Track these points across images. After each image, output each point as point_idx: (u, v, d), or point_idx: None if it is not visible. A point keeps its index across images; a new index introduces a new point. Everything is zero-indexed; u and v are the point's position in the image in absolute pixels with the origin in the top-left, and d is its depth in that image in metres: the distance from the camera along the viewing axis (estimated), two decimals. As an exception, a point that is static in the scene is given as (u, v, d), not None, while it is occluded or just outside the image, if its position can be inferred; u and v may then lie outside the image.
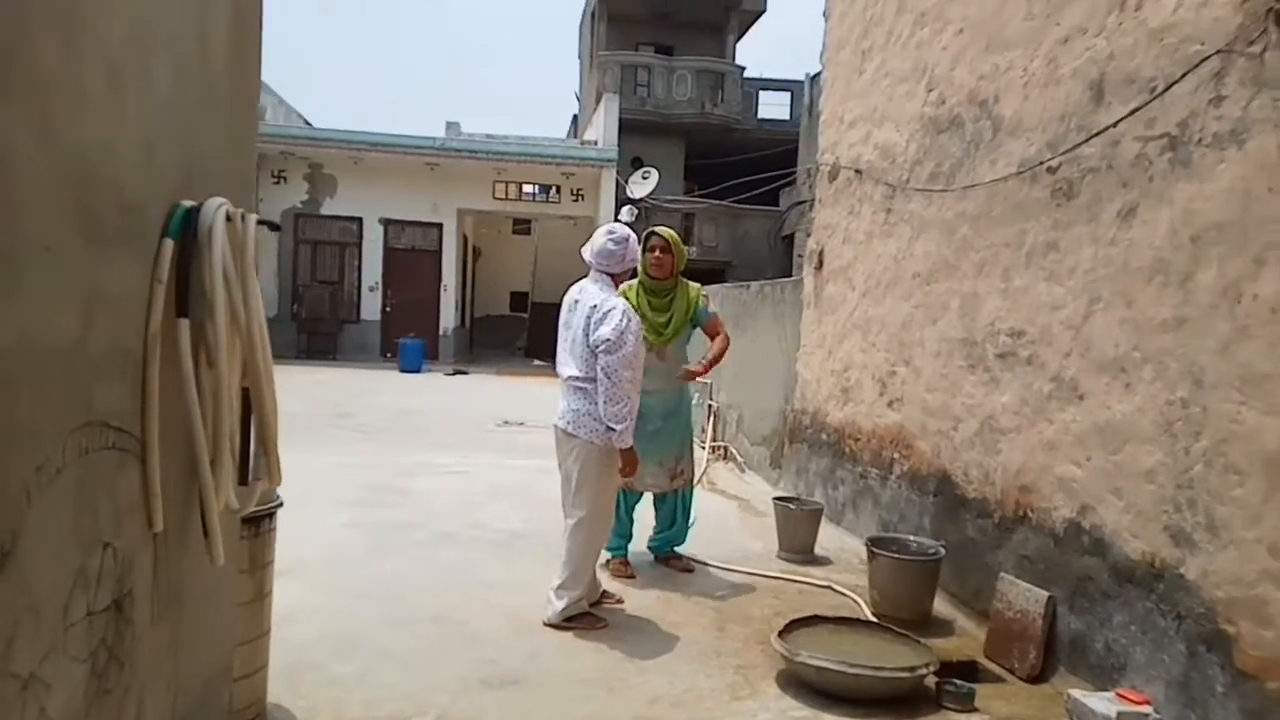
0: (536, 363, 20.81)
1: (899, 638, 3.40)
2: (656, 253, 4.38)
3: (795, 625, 3.43)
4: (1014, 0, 3.87)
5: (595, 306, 3.59)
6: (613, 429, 3.52)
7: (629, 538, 4.56)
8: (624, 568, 4.43)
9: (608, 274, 3.74)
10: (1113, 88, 3.22)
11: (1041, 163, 3.60)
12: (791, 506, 4.93)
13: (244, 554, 2.54)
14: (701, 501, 6.20)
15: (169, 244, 1.74)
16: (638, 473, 3.80)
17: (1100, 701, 2.89)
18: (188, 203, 1.82)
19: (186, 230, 1.79)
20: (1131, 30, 3.13)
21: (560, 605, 3.61)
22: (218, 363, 1.80)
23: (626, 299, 4.26)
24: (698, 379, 4.72)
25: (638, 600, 4.08)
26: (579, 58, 29.24)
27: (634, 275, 4.51)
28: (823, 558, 4.91)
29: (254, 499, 1.96)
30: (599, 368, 3.52)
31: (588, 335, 3.58)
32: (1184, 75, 2.84)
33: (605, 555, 4.35)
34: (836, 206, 5.82)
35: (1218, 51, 2.71)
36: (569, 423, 3.65)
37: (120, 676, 1.67)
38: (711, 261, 20.26)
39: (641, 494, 4.60)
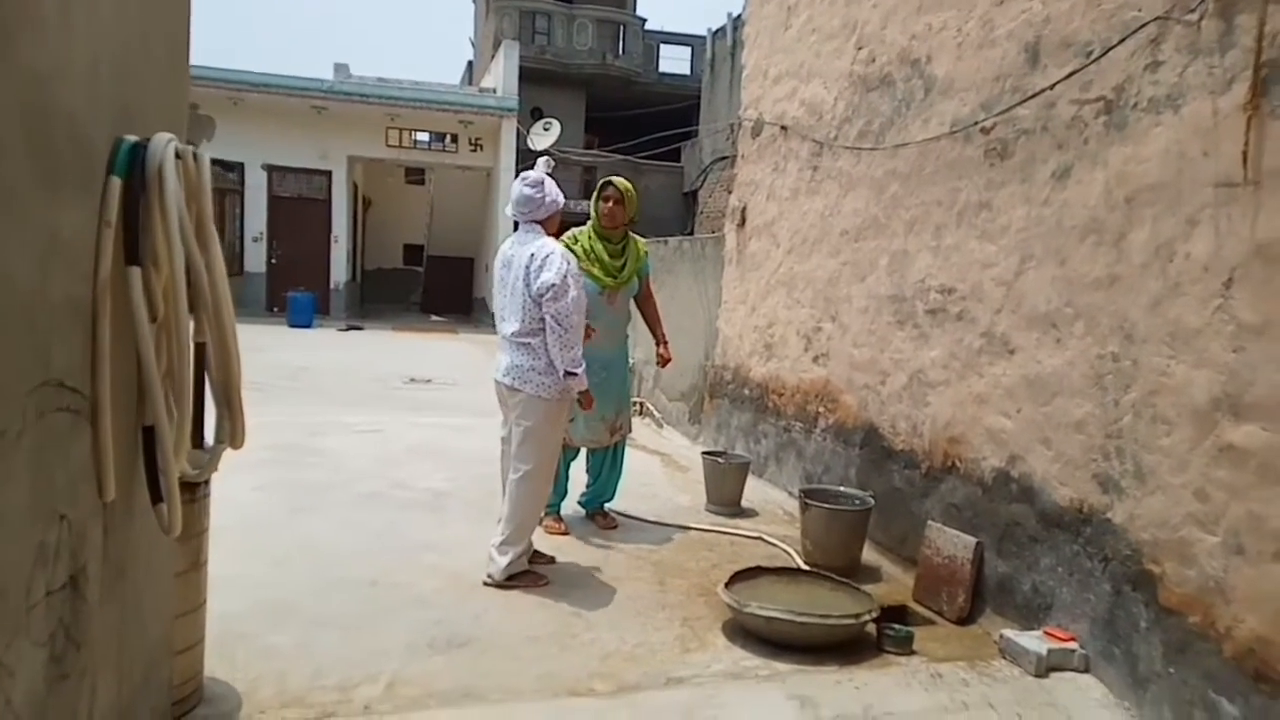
0: (434, 318, 20.31)
1: (838, 585, 3.50)
2: (610, 203, 4.33)
3: (738, 577, 3.47)
4: (949, -40, 3.91)
5: (533, 255, 3.51)
6: (573, 373, 3.51)
7: (564, 494, 4.52)
8: (557, 524, 4.39)
9: (535, 222, 3.64)
10: (1049, 51, 3.30)
11: (976, 123, 3.68)
12: (720, 460, 4.98)
13: (180, 555, 2.36)
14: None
15: (116, 182, 1.56)
16: (591, 408, 3.80)
17: (1031, 640, 3.06)
18: (131, 138, 1.63)
19: (133, 168, 1.60)
20: (1070, -6, 3.21)
21: (503, 562, 3.54)
22: (173, 315, 1.63)
23: (578, 242, 4.41)
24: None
25: (575, 556, 4.05)
26: (473, 1, 28.21)
27: (563, 228, 4.40)
28: (750, 510, 4.99)
29: (215, 463, 1.80)
30: (548, 316, 3.46)
31: (529, 286, 3.49)
32: (1121, 41, 2.94)
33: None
34: (760, 163, 5.83)
35: (1156, 18, 2.81)
36: (513, 378, 3.56)
37: (77, 659, 1.53)
38: (613, 216, 20.10)
39: (577, 451, 4.54)
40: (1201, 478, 2.60)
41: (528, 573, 3.63)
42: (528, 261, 3.51)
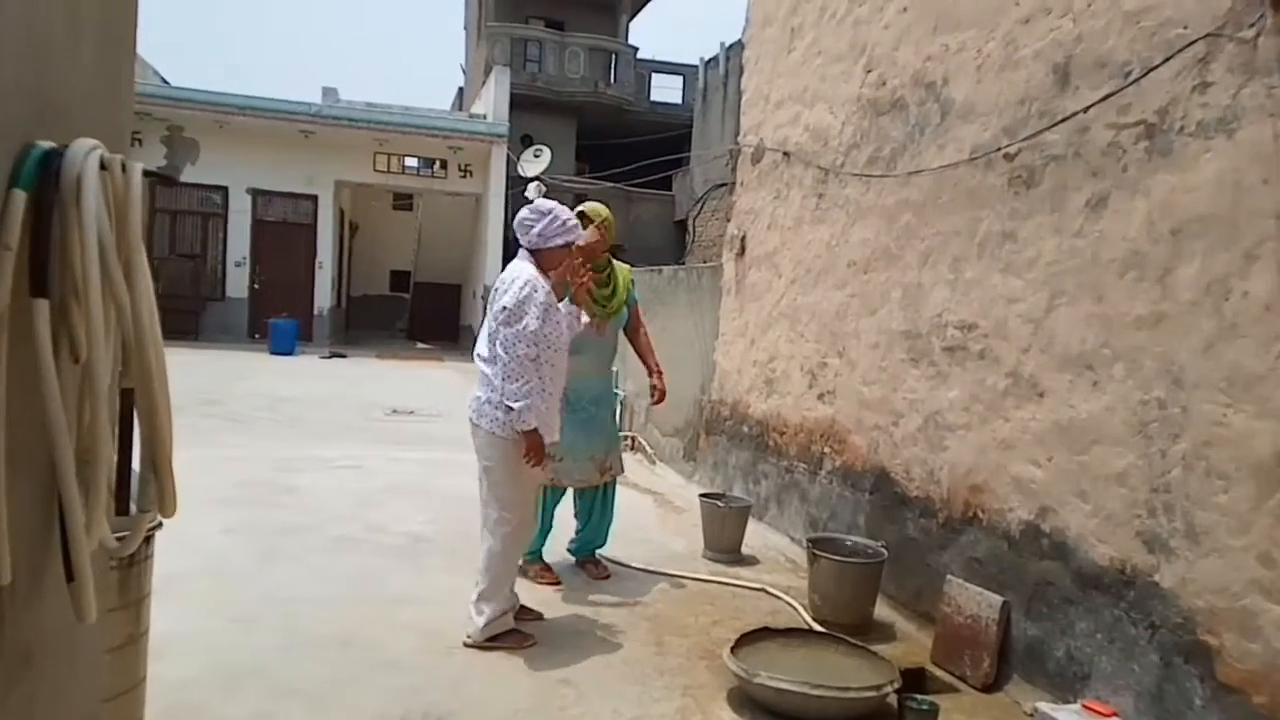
0: (420, 345, 19.98)
1: (853, 650, 3.20)
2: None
3: (745, 639, 3.17)
4: (967, -22, 3.70)
5: (503, 279, 3.36)
6: (510, 407, 3.17)
7: (546, 536, 4.16)
8: (546, 573, 4.08)
9: (527, 250, 3.40)
10: (1081, 71, 3.08)
11: (999, 149, 3.45)
12: (720, 504, 4.69)
13: (114, 587, 2.05)
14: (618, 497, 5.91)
15: (19, 196, 1.27)
16: (547, 465, 3.41)
17: (1069, 714, 2.77)
18: (45, 144, 1.35)
19: (44, 180, 1.32)
20: (1103, 11, 2.99)
21: (481, 621, 3.23)
22: (89, 356, 1.34)
23: None
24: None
25: (564, 611, 3.74)
26: (465, 28, 28.19)
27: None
28: (750, 557, 4.70)
29: (139, 536, 1.50)
30: (496, 341, 3.24)
31: (493, 311, 3.35)
32: (1165, 60, 2.71)
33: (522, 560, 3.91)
34: (760, 190, 5.60)
35: (1205, 36, 2.59)
36: (472, 411, 3.35)
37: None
38: (603, 244, 19.91)
39: (565, 490, 4.22)
40: (1267, 540, 2.34)
41: (512, 632, 3.32)
42: (497, 285, 3.38)
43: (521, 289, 3.23)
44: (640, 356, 4.51)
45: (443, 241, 21.02)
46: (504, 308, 3.21)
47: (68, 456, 1.33)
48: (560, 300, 3.37)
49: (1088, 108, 3.02)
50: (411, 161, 18.30)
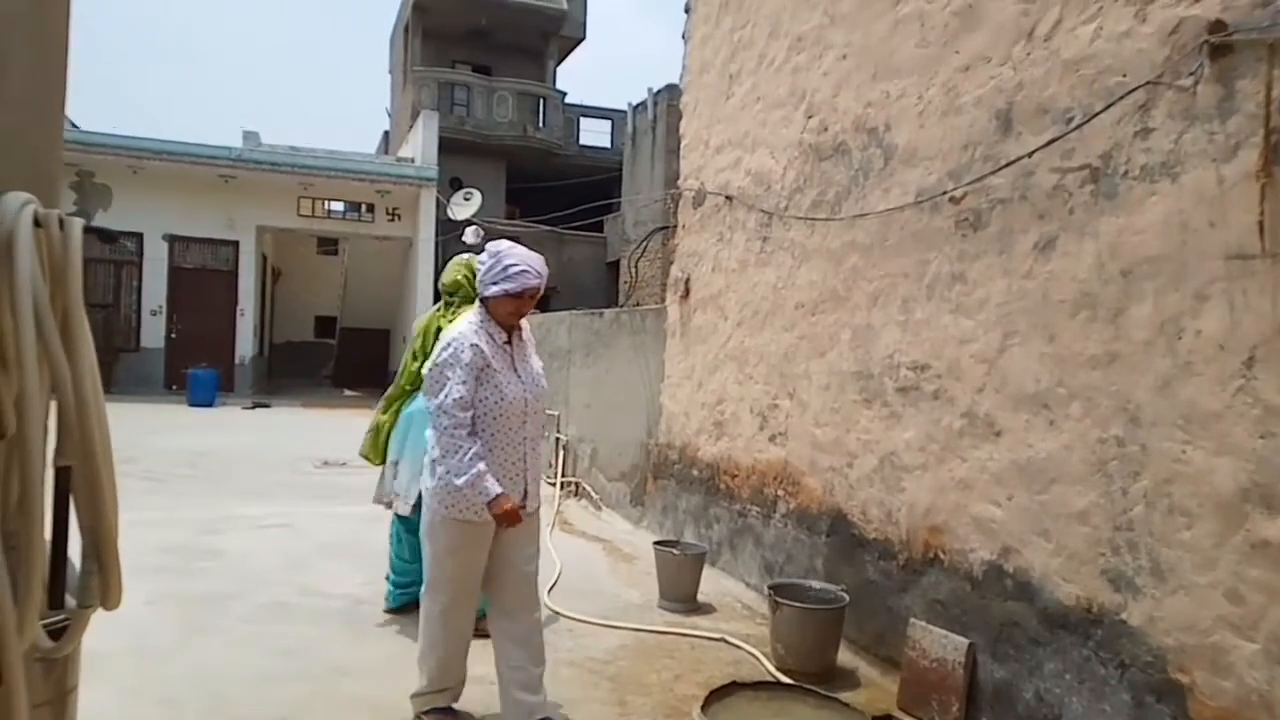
0: (348, 392, 19.42)
1: (823, 701, 3.11)
2: None
3: (713, 696, 3.06)
4: (905, 27, 3.79)
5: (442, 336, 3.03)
6: (454, 485, 2.79)
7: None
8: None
9: (481, 299, 2.97)
10: (1023, 118, 3.15)
11: (944, 192, 3.51)
12: (675, 552, 4.59)
13: (39, 680, 1.84)
14: (562, 544, 5.76)
15: (-60, 256, 1.13)
16: (513, 521, 2.86)
17: (1044, 759, 2.74)
18: (-32, 197, 1.21)
19: (-32, 236, 1.18)
20: (1042, 60, 3.08)
21: (419, 684, 3.05)
22: (22, 432, 1.20)
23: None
24: None
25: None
26: (390, 72, 28.01)
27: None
28: (706, 605, 4.60)
29: (78, 634, 1.33)
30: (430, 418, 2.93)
31: None
32: (1106, 108, 2.79)
33: None
34: (703, 233, 5.60)
35: (1144, 84, 2.68)
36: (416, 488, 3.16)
37: None
38: (535, 287, 19.80)
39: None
40: (1233, 577, 2.36)
41: (446, 711, 3.07)
42: None
43: (440, 352, 2.88)
44: None
45: (370, 286, 20.58)
46: (425, 375, 2.94)
47: (-7, 548, 1.17)
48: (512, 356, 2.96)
49: (1032, 153, 3.08)
50: (337, 206, 17.94)
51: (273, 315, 21.30)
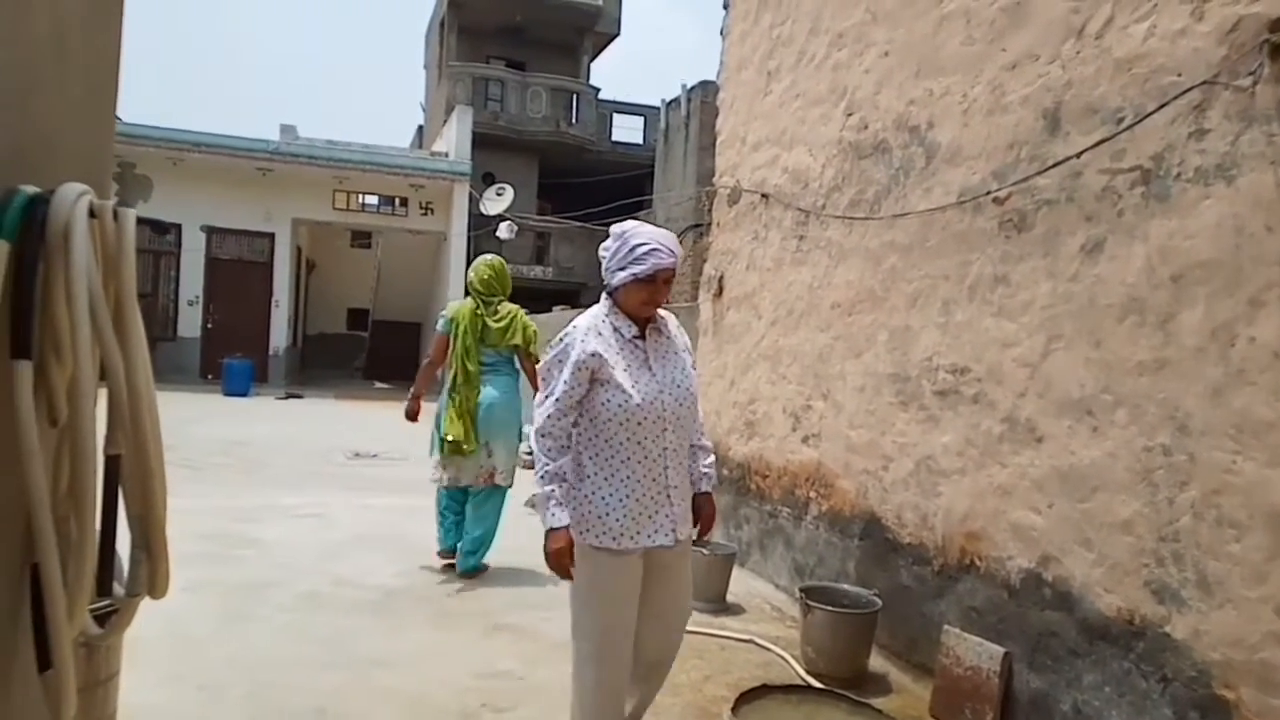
0: (379, 385, 19.62)
1: (856, 707, 3.08)
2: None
3: (744, 699, 3.04)
4: (950, 23, 3.73)
5: None
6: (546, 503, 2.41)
7: (455, 540, 4.89)
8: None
9: (607, 291, 2.55)
10: (1071, 117, 3.09)
11: (988, 193, 3.45)
12: (704, 552, 4.57)
13: (85, 667, 1.86)
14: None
15: (1, 247, 1.14)
16: (561, 564, 2.41)
17: (1083, 771, 2.69)
18: (29, 189, 1.22)
19: (27, 229, 1.19)
20: (1092, 59, 3.01)
21: None
22: (74, 420, 1.21)
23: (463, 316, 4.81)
24: None
25: (548, 675, 3.55)
26: (425, 68, 28.20)
27: (513, 298, 5.08)
28: (735, 605, 4.57)
29: (126, 622, 1.35)
30: None
31: None
32: (1160, 108, 2.73)
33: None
34: (738, 231, 5.57)
35: (1200, 84, 2.61)
36: None
37: None
38: (567, 282, 19.88)
39: (464, 492, 4.88)
40: (1284, 591, 2.30)
41: None
42: None
43: (555, 345, 2.50)
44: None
45: (402, 279, 20.77)
46: (540, 370, 2.57)
47: (48, 532, 1.19)
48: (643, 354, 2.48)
49: (1080, 153, 3.02)
50: (371, 199, 18.13)
51: (306, 307, 21.59)
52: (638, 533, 2.43)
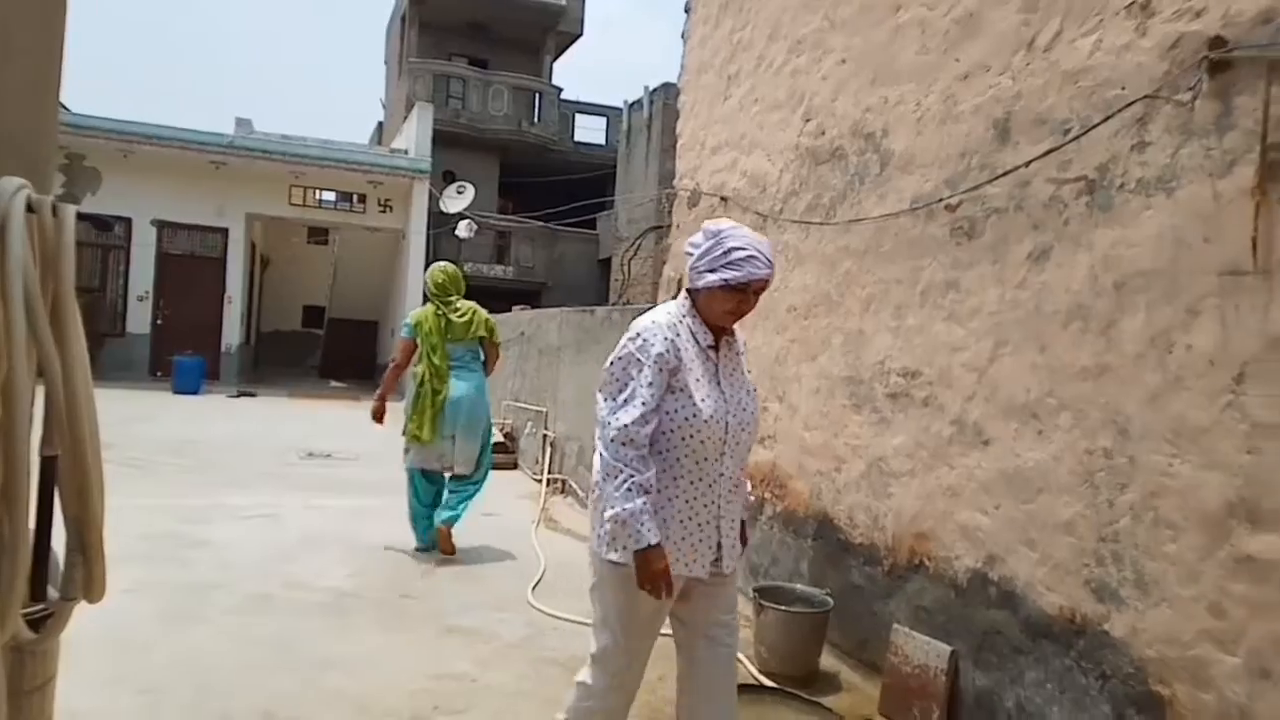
0: (334, 384, 19.34)
1: (806, 706, 3.13)
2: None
3: (697, 698, 3.06)
4: (905, 33, 3.80)
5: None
6: (619, 525, 2.14)
7: (427, 528, 5.22)
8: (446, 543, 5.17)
9: (688, 291, 2.36)
10: (1020, 128, 3.16)
11: (940, 200, 3.52)
12: (660, 552, 4.58)
13: (18, 672, 1.82)
14: (547, 542, 5.76)
15: (-70, 240, 1.11)
16: (661, 596, 2.18)
17: (1025, 767, 2.75)
18: (-40, 180, 1.19)
19: (-42, 221, 1.16)
20: (1041, 71, 3.09)
21: None
22: (8, 419, 1.18)
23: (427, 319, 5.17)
24: None
25: (502, 676, 3.55)
26: (385, 63, 27.89)
27: (470, 295, 5.47)
28: (690, 606, 4.59)
29: (61, 626, 1.32)
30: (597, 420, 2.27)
31: None
32: (1105, 120, 2.80)
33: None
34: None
35: (1142, 98, 2.69)
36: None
37: None
38: (528, 282, 19.79)
39: (440, 477, 5.28)
40: (1216, 590, 2.37)
41: None
42: None
43: (625, 344, 2.23)
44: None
45: (359, 277, 20.52)
46: (606, 367, 2.26)
47: (-24, 537, 1.16)
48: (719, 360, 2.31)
49: (1028, 162, 3.09)
50: (329, 195, 17.86)
51: (260, 304, 21.22)
52: (676, 560, 2.22)
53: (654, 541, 2.08)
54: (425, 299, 5.31)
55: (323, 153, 16.82)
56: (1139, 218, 2.68)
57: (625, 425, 2.12)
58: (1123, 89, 2.76)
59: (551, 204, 19.23)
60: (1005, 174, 3.19)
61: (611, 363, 2.22)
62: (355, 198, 17.96)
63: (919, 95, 3.69)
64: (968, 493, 3.28)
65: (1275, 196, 2.29)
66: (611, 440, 2.13)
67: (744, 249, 2.22)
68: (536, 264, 20.39)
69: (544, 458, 7.73)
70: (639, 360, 2.18)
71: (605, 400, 2.21)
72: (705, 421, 2.19)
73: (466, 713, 3.11)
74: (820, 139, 4.38)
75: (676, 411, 2.19)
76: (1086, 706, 2.74)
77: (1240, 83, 2.40)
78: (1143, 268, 2.65)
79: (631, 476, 2.09)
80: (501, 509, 6.34)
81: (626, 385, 2.17)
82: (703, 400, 2.20)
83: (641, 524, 2.08)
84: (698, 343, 2.27)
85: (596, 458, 2.22)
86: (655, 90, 19.15)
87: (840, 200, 4.19)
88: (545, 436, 7.88)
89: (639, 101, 19.95)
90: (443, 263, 5.44)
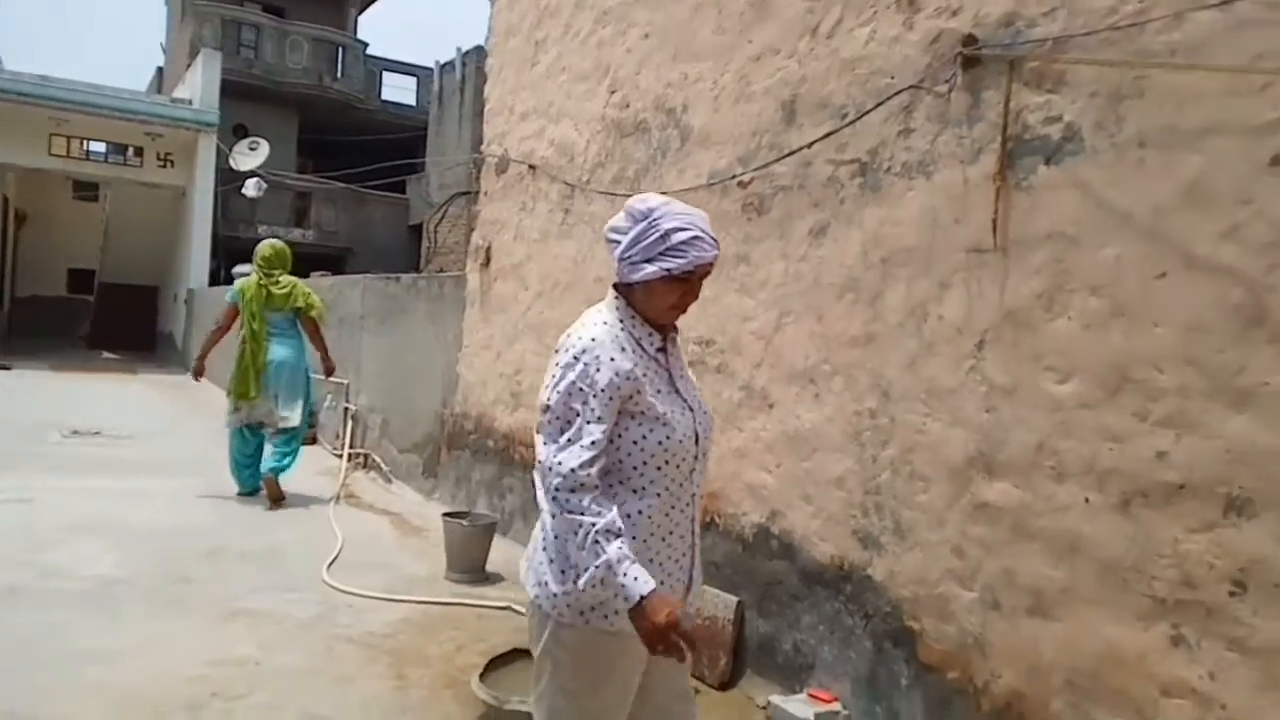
0: (106, 355, 17.56)
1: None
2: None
3: (494, 664, 3.08)
4: (704, 11, 3.91)
5: (564, 336, 1.90)
6: (576, 591, 1.76)
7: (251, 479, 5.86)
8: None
9: (618, 287, 1.94)
10: (805, 110, 3.35)
11: (733, 176, 3.67)
12: (463, 523, 4.54)
13: None
14: (347, 518, 5.56)
15: None
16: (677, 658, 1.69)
17: (798, 705, 2.98)
18: None
19: None
20: (824, 57, 3.28)
21: None
22: None
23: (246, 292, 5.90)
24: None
25: (290, 658, 3.38)
26: (166, 2, 25.32)
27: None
28: (495, 575, 4.59)
29: None
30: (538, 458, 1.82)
31: None
32: (876, 106, 3.03)
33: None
34: (506, 201, 5.53)
35: (908, 87, 2.92)
36: (523, 566, 1.96)
37: None
38: (331, 247, 18.79)
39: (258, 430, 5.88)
40: (958, 534, 2.67)
41: None
42: (557, 345, 1.91)
43: (564, 373, 1.80)
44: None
45: (136, 238, 18.66)
46: (544, 404, 1.81)
47: None
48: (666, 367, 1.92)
49: (811, 144, 3.29)
50: (99, 147, 16.11)
51: (16, 266, 18.88)
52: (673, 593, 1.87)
53: (647, 591, 1.65)
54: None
55: (90, 98, 15.06)
56: (903, 199, 2.93)
57: (572, 470, 1.72)
58: (892, 78, 2.99)
59: (357, 165, 18.27)
60: (790, 154, 3.38)
61: (549, 398, 1.80)
62: (131, 150, 16.29)
63: (716, 74, 3.82)
64: (754, 453, 3.48)
65: (1013, 182, 2.56)
66: (558, 490, 1.73)
67: (685, 229, 1.82)
68: (340, 228, 19.37)
69: (345, 432, 7.42)
70: (582, 391, 1.77)
71: (545, 442, 1.79)
72: (679, 441, 1.86)
73: (248, 696, 2.95)
74: (625, 111, 4.44)
75: (645, 439, 1.82)
76: (851, 644, 3.00)
77: (987, 78, 2.66)
78: (906, 244, 2.90)
79: (593, 526, 1.69)
80: (299, 486, 6.04)
81: (571, 423, 1.77)
82: (673, 418, 1.86)
83: (624, 574, 1.66)
84: (645, 351, 1.89)
85: (543, 510, 1.81)
86: (468, 52, 18.60)
87: (644, 173, 4.28)
88: (346, 409, 7.56)
89: (451, 63, 19.32)
90: (272, 239, 6.13)
